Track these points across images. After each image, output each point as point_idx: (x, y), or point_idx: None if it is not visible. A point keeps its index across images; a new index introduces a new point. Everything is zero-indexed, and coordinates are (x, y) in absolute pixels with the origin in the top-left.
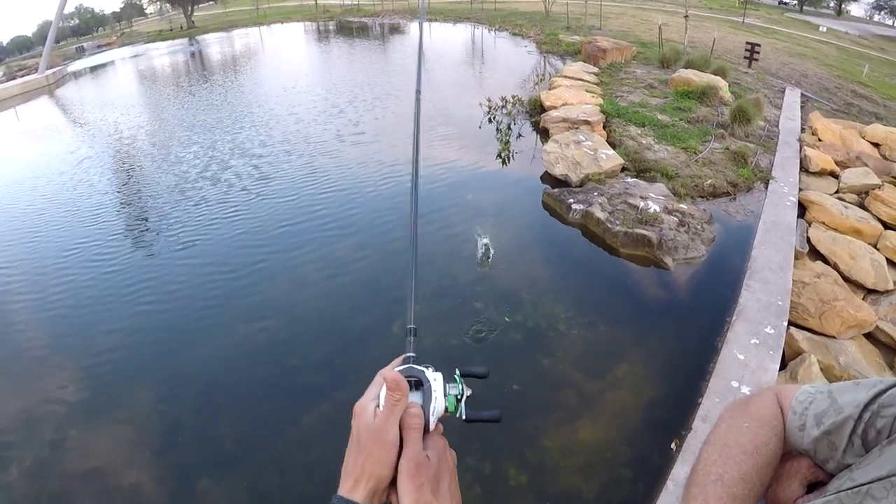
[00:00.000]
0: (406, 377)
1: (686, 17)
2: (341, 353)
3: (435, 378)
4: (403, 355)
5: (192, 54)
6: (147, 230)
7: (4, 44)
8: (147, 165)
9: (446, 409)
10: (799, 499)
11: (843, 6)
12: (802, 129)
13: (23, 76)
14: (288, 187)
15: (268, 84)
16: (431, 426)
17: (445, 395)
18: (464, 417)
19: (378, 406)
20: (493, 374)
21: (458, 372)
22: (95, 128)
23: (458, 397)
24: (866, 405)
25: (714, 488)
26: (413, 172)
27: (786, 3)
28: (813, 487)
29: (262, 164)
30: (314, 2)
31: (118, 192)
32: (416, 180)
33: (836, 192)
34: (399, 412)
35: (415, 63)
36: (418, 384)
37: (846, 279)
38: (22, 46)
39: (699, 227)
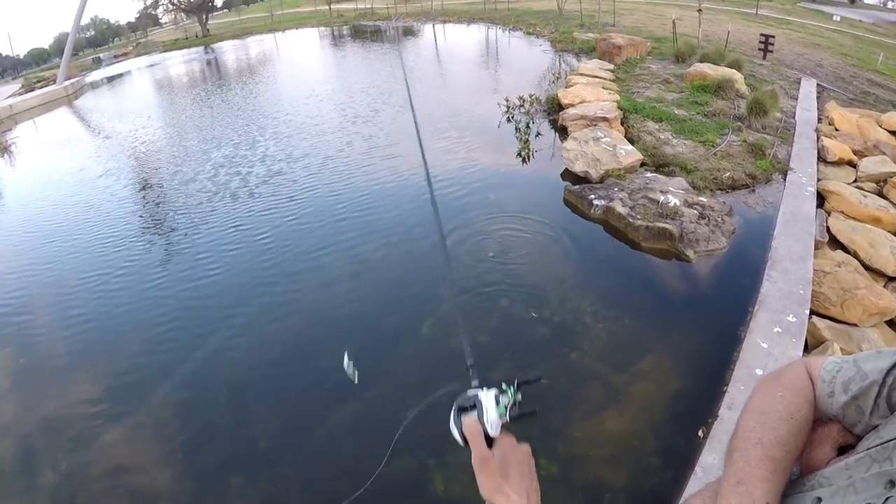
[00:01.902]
0: (464, 405)
1: (699, 10)
2: (371, 353)
3: (487, 396)
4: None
5: (208, 62)
6: (168, 239)
7: (22, 56)
8: (166, 180)
9: (499, 417)
10: (831, 461)
11: None
12: (819, 120)
13: (41, 88)
14: (315, 206)
15: (286, 92)
16: (492, 432)
17: (497, 406)
18: (508, 419)
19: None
20: (523, 367)
21: (515, 382)
22: (113, 140)
23: (507, 406)
24: (889, 370)
25: (755, 451)
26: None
27: None
28: (843, 451)
29: (285, 182)
30: (328, 7)
31: (138, 203)
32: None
33: (855, 181)
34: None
35: (432, 67)
36: (473, 406)
37: (867, 267)
38: (39, 58)
39: (719, 219)
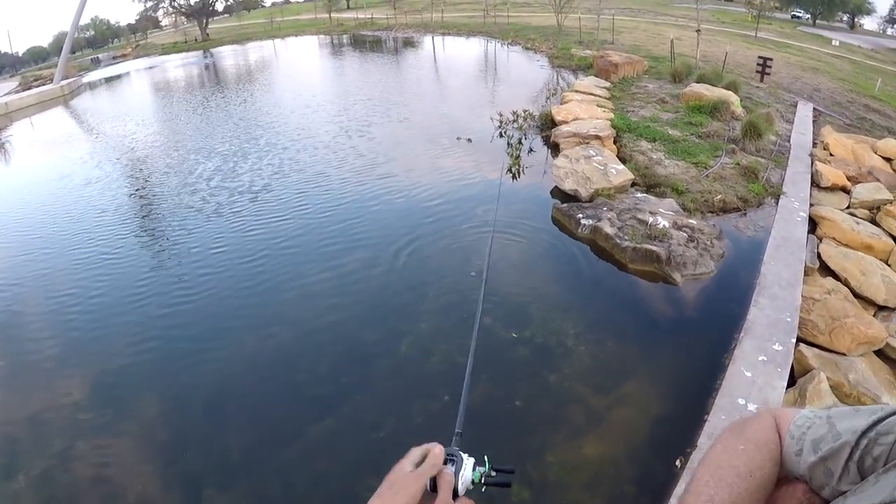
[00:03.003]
0: (446, 454)
1: (698, 31)
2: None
3: (466, 458)
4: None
5: (207, 67)
6: (154, 245)
7: (20, 54)
8: (158, 184)
9: (472, 482)
10: None
11: (856, 20)
12: (814, 144)
13: (38, 86)
14: (303, 225)
15: (284, 100)
16: (461, 491)
17: (474, 471)
18: (481, 480)
19: (416, 467)
20: (500, 390)
21: (489, 462)
22: (107, 142)
23: (482, 474)
24: (864, 432)
25: None
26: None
27: (798, 17)
28: None
29: (273, 199)
30: (328, 15)
31: (127, 207)
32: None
33: (848, 207)
34: (432, 472)
35: (430, 79)
36: (453, 461)
37: (857, 295)
38: (38, 57)
39: (708, 242)
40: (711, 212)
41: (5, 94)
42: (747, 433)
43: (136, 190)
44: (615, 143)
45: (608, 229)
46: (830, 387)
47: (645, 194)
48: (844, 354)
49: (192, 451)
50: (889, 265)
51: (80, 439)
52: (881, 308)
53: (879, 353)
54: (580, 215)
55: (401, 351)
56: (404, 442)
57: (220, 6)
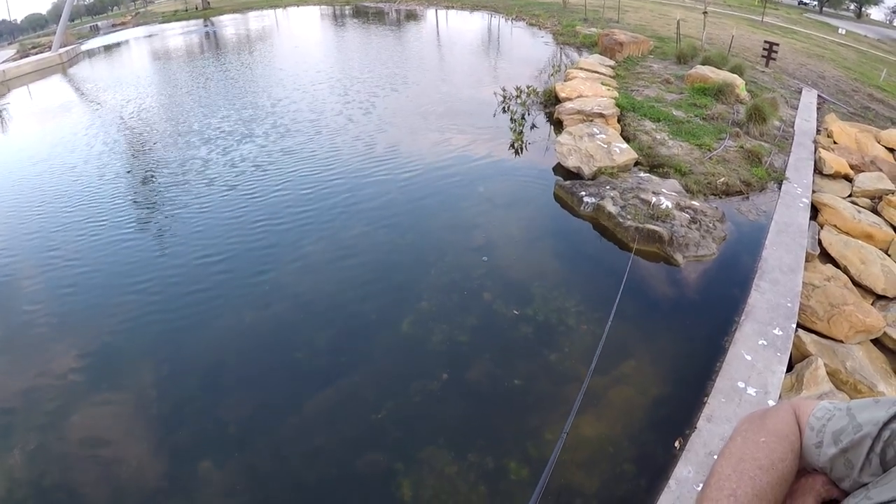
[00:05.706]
0: None
1: (705, 13)
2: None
3: None
4: None
5: (207, 35)
6: (152, 217)
7: (18, 21)
8: (155, 156)
9: None
10: None
11: (863, 9)
12: (818, 131)
13: (36, 54)
14: (301, 186)
15: (287, 72)
16: None
17: None
18: None
19: None
20: (499, 366)
21: None
22: (105, 111)
23: None
24: (885, 423)
25: None
26: None
27: (805, 4)
28: None
29: (271, 168)
30: None
31: (124, 177)
32: None
33: (850, 195)
34: None
35: (433, 53)
36: None
37: (856, 284)
38: (36, 24)
39: (711, 224)
40: (714, 194)
41: (2, 62)
42: (767, 425)
43: (133, 161)
44: (619, 121)
45: (611, 208)
46: (827, 373)
47: (648, 174)
48: (842, 342)
49: (188, 425)
50: (889, 255)
51: (75, 411)
52: (879, 297)
53: (877, 342)
54: (583, 193)
55: (401, 328)
56: (404, 419)
57: None
